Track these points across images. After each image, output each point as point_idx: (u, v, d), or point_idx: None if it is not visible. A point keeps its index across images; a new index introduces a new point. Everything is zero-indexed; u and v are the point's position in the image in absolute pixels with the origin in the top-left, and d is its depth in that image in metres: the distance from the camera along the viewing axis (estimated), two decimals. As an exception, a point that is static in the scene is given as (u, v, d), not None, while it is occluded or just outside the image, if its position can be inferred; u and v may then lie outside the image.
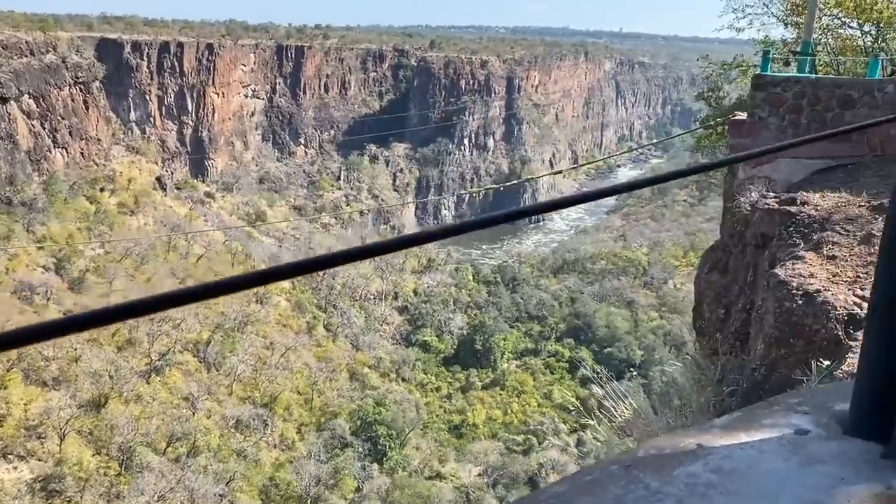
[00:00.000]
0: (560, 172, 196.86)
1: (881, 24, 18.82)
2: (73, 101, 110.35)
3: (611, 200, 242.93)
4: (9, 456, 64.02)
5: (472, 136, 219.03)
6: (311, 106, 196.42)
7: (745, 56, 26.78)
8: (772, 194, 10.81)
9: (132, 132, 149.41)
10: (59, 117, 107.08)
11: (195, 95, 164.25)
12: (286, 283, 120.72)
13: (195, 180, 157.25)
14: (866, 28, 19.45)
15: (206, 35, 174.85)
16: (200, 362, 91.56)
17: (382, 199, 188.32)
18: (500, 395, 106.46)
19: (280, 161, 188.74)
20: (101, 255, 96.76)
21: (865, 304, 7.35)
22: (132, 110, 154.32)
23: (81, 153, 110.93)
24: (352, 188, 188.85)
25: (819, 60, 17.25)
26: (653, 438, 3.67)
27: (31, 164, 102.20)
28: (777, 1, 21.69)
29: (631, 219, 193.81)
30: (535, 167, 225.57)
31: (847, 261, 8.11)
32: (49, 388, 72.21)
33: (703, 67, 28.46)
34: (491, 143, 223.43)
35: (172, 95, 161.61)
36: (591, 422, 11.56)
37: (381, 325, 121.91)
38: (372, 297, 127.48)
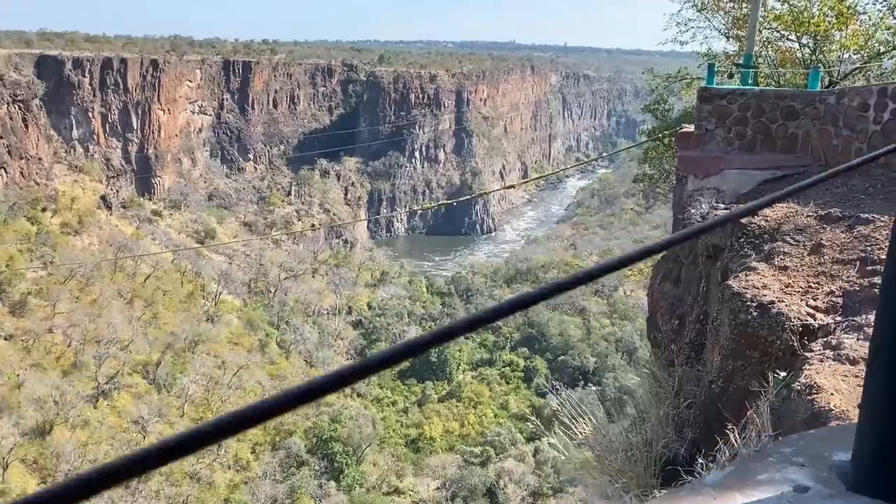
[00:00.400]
0: (513, 187, 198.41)
1: (818, 37, 19.44)
2: (11, 119, 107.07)
3: (560, 209, 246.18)
4: (-53, 489, 61.41)
5: (423, 148, 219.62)
6: (260, 121, 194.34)
7: (689, 68, 27.38)
8: (722, 205, 10.97)
9: (75, 150, 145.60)
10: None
11: (140, 112, 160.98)
12: (237, 301, 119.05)
13: (142, 198, 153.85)
14: (804, 41, 20.07)
15: (151, 51, 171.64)
16: (150, 384, 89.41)
17: (334, 214, 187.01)
18: (457, 406, 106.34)
19: (229, 177, 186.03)
20: (43, 278, 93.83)
21: (819, 315, 7.46)
22: (74, 128, 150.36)
23: (21, 173, 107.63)
24: (303, 203, 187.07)
25: (760, 73, 17.68)
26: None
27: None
28: (719, 15, 22.30)
29: (581, 228, 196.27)
30: (485, 178, 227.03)
31: (799, 271, 8.23)
32: (-10, 417, 69.58)
33: (648, 80, 28.97)
34: (442, 155, 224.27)
35: (116, 112, 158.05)
36: (548, 437, 11.55)
37: (335, 341, 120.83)
38: (325, 312, 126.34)
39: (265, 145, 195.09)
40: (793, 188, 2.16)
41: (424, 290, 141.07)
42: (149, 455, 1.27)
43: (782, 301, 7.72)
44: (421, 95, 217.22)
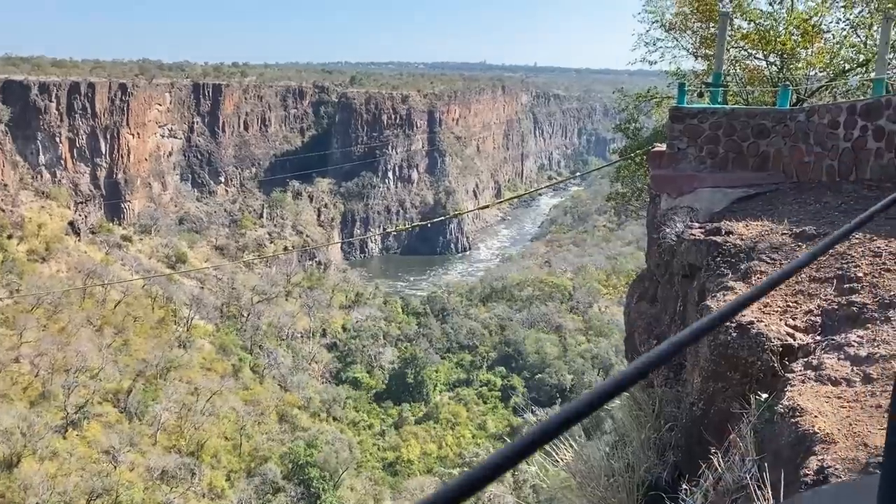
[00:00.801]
0: (487, 207, 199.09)
1: (784, 55, 19.74)
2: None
3: (534, 227, 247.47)
4: None
5: (396, 169, 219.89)
6: (231, 144, 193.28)
7: (658, 87, 27.65)
8: (696, 224, 10.94)
9: (42, 176, 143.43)
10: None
11: (109, 137, 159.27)
12: (210, 325, 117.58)
13: (111, 224, 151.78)
14: (771, 59, 20.37)
15: (119, 75, 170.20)
16: (121, 412, 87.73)
17: (307, 235, 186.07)
18: (434, 428, 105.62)
19: (200, 201, 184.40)
20: (9, 306, 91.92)
21: (798, 334, 7.39)
22: (41, 153, 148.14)
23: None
24: (275, 225, 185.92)
25: (729, 91, 17.85)
26: None
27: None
28: (686, 35, 22.55)
29: (554, 245, 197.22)
30: (459, 198, 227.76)
31: (776, 290, 8.17)
32: (-46, 451, 67.70)
33: (619, 100, 29.23)
34: (415, 175, 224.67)
35: (84, 137, 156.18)
36: (528, 464, 11.36)
37: (310, 364, 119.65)
38: (299, 335, 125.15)
39: (236, 168, 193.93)
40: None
41: (400, 310, 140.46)
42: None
43: (761, 321, 7.65)
44: (393, 116, 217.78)
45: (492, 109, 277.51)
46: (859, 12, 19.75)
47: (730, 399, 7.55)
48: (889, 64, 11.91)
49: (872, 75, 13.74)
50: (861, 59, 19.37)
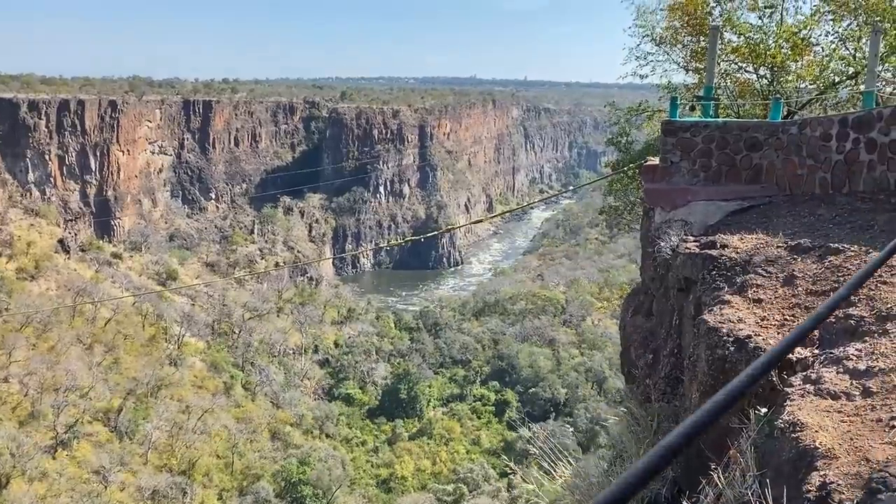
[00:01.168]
0: (480, 221, 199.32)
1: (774, 68, 19.89)
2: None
3: (526, 241, 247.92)
4: None
5: (388, 183, 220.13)
6: (222, 160, 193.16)
7: (649, 100, 27.79)
8: (691, 238, 10.92)
9: (31, 194, 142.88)
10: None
11: (99, 154, 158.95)
12: (201, 343, 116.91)
13: (101, 241, 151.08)
14: (762, 72, 20.53)
15: (109, 92, 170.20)
16: (112, 432, 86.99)
17: (299, 251, 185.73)
18: (428, 444, 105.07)
19: (190, 217, 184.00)
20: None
21: (797, 348, 7.35)
22: (30, 171, 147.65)
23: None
24: (266, 241, 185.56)
25: (720, 104, 17.95)
26: None
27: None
28: (677, 49, 22.70)
29: (547, 258, 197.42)
30: (451, 212, 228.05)
31: (773, 304, 8.15)
32: (-58, 473, 66.87)
33: (610, 113, 29.34)
34: (406, 190, 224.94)
35: (74, 154, 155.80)
36: (521, 472, 11.25)
37: (302, 381, 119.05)
38: (291, 351, 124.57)
39: (227, 184, 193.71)
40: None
41: (392, 325, 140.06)
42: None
43: (759, 335, 7.61)
44: (384, 131, 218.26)
45: (482, 123, 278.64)
46: (848, 25, 19.94)
47: (729, 414, 7.49)
48: (878, 76, 11.96)
49: (862, 87, 13.82)
50: (850, 72, 19.53)
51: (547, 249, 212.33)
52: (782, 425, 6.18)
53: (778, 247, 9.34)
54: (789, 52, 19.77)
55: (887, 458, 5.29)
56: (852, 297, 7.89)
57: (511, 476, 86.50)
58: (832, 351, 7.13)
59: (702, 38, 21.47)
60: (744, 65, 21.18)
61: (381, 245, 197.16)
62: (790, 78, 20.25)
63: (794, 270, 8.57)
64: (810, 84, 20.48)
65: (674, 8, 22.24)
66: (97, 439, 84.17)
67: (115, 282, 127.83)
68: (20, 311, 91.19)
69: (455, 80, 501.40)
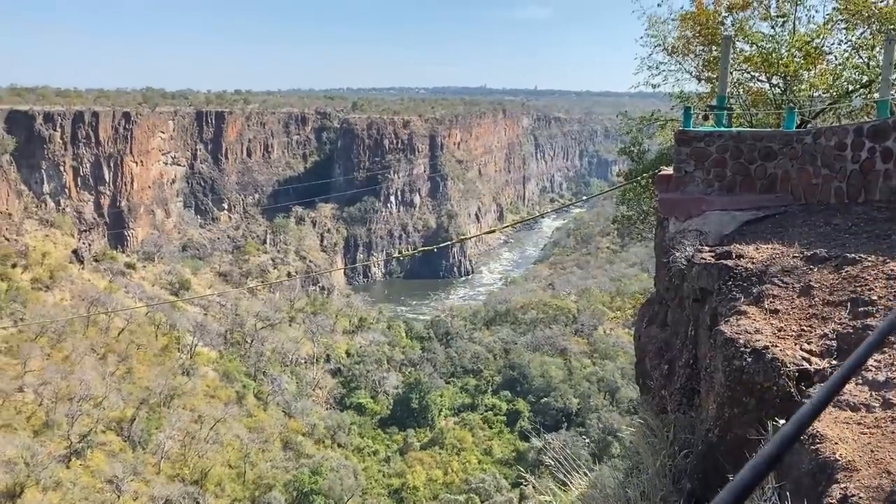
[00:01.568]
0: (493, 231, 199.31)
1: (787, 77, 19.82)
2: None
3: (536, 250, 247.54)
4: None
5: (398, 193, 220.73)
6: (234, 171, 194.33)
7: (661, 109, 27.74)
8: (706, 248, 10.89)
9: (46, 205, 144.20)
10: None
11: (112, 165, 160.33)
12: (213, 352, 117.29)
13: (114, 251, 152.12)
14: (774, 81, 20.45)
15: (123, 103, 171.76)
16: (125, 441, 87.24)
17: (310, 261, 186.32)
18: (440, 454, 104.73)
19: (203, 227, 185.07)
20: (13, 335, 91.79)
21: (814, 359, 7.31)
22: (45, 182, 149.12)
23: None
24: (278, 251, 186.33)
25: (733, 113, 17.92)
26: None
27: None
28: (689, 58, 22.67)
29: (558, 267, 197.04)
30: (461, 221, 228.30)
31: (790, 314, 8.11)
32: (-43, 482, 67.22)
33: (623, 123, 29.31)
34: (417, 199, 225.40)
35: (88, 166, 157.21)
36: (533, 482, 11.21)
37: (314, 390, 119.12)
38: (303, 361, 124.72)
39: (239, 194, 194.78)
40: None
41: (403, 334, 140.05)
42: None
43: (776, 346, 7.57)
44: (395, 141, 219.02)
45: (493, 133, 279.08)
46: (861, 33, 19.84)
47: (746, 425, 7.46)
48: (893, 85, 11.90)
49: (876, 96, 13.75)
50: (864, 80, 19.42)
51: (558, 258, 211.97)
52: (801, 437, 6.15)
53: (794, 257, 9.30)
54: (802, 61, 19.69)
55: (909, 471, 5.26)
56: (871, 309, 7.85)
57: (523, 486, 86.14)
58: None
59: (714, 48, 21.43)
60: (756, 74, 21.11)
61: (394, 255, 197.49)
62: (803, 87, 20.16)
63: (810, 281, 8.53)
64: (824, 93, 20.38)
65: (685, 18, 22.22)
66: (110, 448, 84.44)
67: (128, 292, 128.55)
68: (35, 321, 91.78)
69: (465, 90, 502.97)
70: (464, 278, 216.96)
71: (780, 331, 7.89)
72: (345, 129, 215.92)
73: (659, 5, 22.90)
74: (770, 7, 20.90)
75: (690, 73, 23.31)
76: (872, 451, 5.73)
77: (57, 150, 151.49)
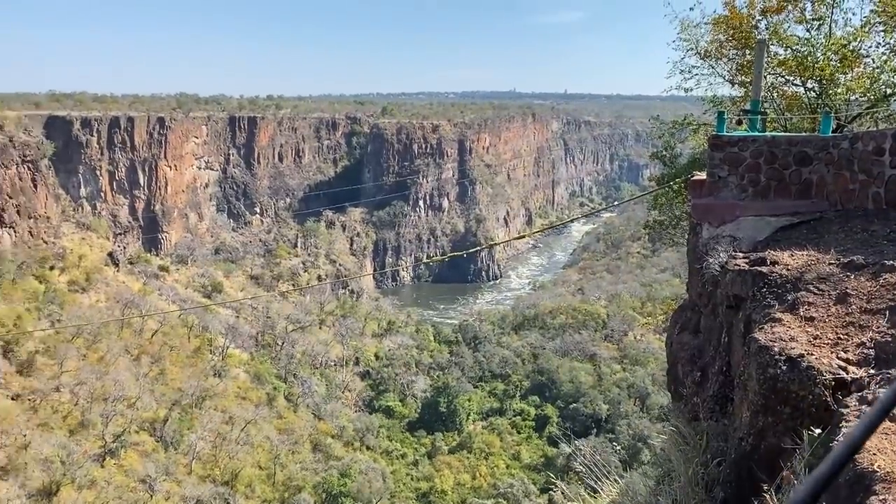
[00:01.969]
0: (523, 237, 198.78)
1: (823, 81, 19.52)
2: (20, 179, 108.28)
3: (565, 255, 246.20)
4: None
5: (427, 197, 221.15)
6: (266, 175, 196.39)
7: (694, 114, 27.48)
8: (740, 254, 10.78)
9: (82, 208, 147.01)
10: (6, 196, 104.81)
11: (147, 169, 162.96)
12: (245, 354, 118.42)
13: (149, 254, 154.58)
14: (809, 85, 20.16)
15: (157, 109, 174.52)
16: (157, 441, 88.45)
17: (340, 264, 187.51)
18: (468, 458, 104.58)
19: (236, 231, 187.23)
20: (51, 336, 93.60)
21: (851, 368, 7.21)
22: (82, 186, 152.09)
23: (30, 232, 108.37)
24: (309, 254, 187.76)
25: (768, 118, 17.71)
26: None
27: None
28: (722, 62, 22.45)
29: (587, 272, 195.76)
30: (489, 225, 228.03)
31: (826, 322, 8.00)
32: (-4, 479, 68.64)
33: (655, 127, 29.08)
34: (446, 203, 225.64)
35: (123, 170, 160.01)
36: (563, 488, 11.17)
37: (343, 393, 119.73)
38: (332, 363, 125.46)
39: (271, 199, 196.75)
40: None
41: (432, 338, 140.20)
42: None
43: (812, 354, 7.48)
44: (424, 145, 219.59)
45: (522, 137, 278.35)
46: (900, 36, 19.48)
47: (781, 434, 7.37)
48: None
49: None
50: (903, 84, 19.07)
51: (587, 263, 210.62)
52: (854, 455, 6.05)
53: (830, 263, 9.18)
54: (838, 65, 19.37)
55: (949, 483, 5.17)
56: (909, 316, 7.70)
57: (552, 492, 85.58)
58: (889, 371, 6.98)
59: (747, 52, 21.17)
60: (791, 78, 20.82)
61: (423, 260, 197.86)
62: (839, 91, 19.81)
63: (847, 288, 8.41)
64: (860, 97, 20.02)
65: (718, 22, 22.00)
66: (143, 449, 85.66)
67: (161, 294, 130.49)
68: (71, 322, 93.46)
69: (494, 94, 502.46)
70: (492, 283, 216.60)
71: (815, 339, 7.79)
72: (374, 133, 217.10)
73: (691, 9, 22.71)
74: (805, 10, 20.59)
75: (723, 77, 23.08)
76: (911, 463, 5.63)
77: (93, 154, 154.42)
